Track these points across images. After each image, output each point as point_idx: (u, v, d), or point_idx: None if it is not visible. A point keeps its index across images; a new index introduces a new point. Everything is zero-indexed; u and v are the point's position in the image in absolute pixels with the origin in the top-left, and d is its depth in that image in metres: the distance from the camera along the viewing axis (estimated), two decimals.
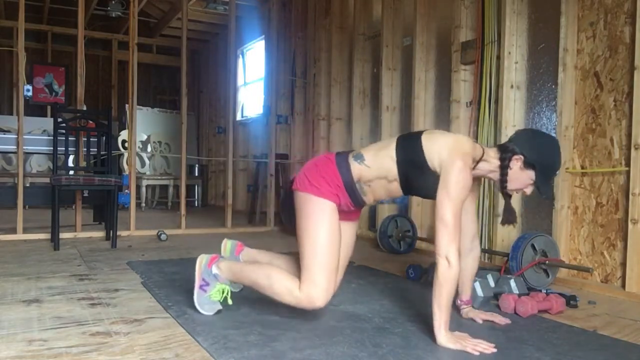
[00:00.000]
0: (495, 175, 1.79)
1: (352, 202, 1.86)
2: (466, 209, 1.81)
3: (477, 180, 1.86)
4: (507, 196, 1.81)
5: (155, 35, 8.03)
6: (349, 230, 2.00)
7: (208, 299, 1.92)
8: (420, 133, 1.80)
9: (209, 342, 1.60)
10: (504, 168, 1.75)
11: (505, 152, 1.75)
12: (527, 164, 1.73)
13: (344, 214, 1.90)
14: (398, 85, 4.13)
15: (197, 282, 1.94)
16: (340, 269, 1.93)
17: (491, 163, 1.78)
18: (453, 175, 1.65)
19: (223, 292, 1.93)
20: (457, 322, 1.86)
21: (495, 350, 1.58)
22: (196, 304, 1.92)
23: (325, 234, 1.78)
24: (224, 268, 1.93)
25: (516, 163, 1.74)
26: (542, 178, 1.74)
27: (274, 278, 1.82)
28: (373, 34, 4.43)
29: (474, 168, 1.74)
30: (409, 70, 3.89)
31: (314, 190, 1.80)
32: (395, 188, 1.82)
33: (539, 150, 1.73)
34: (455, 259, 1.61)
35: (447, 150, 1.69)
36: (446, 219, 1.63)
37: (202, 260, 1.97)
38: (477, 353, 1.55)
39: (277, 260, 2.10)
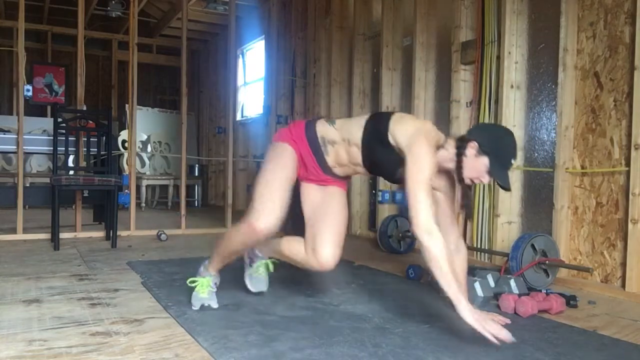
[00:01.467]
0: (453, 164, 1.83)
1: (314, 156, 1.96)
2: (443, 212, 1.87)
3: (451, 179, 1.91)
4: (463, 183, 1.86)
5: (155, 35, 8.03)
6: (336, 193, 2.06)
7: (252, 274, 2.18)
8: (391, 113, 1.91)
9: (209, 342, 1.60)
10: (459, 155, 1.80)
11: (462, 140, 1.82)
12: (481, 151, 1.77)
13: (324, 180, 2.03)
14: (398, 85, 4.13)
15: (246, 261, 2.21)
16: (334, 231, 1.97)
17: (449, 152, 1.83)
18: (420, 153, 1.72)
19: (267, 267, 2.18)
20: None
21: (514, 340, 1.53)
22: (247, 281, 2.19)
23: (269, 169, 1.93)
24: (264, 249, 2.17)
25: (471, 150, 1.78)
26: (497, 166, 1.77)
27: (230, 230, 1.99)
28: (373, 34, 4.43)
29: (435, 153, 1.80)
30: (409, 70, 3.89)
31: (275, 138, 2.01)
32: (356, 155, 1.91)
33: (491, 138, 1.79)
34: (435, 229, 1.64)
35: (412, 130, 1.78)
36: (419, 193, 1.67)
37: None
38: (496, 341, 1.50)
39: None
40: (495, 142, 1.79)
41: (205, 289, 1.99)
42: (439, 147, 1.83)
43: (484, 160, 1.77)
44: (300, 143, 1.95)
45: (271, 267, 2.18)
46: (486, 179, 1.81)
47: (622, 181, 2.53)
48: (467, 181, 1.83)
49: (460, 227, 3.35)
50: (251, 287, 2.17)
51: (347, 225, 2.07)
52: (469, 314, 1.57)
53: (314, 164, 1.97)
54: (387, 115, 1.88)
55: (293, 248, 2.01)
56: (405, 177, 1.72)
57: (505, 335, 1.53)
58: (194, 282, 2.00)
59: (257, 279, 2.16)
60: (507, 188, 1.80)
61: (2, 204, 5.14)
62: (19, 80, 3.97)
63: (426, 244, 1.64)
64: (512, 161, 1.83)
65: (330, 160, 1.96)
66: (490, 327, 1.55)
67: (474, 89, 3.33)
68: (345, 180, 2.09)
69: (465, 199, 1.92)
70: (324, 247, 1.92)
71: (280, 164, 1.93)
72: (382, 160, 1.87)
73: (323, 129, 1.96)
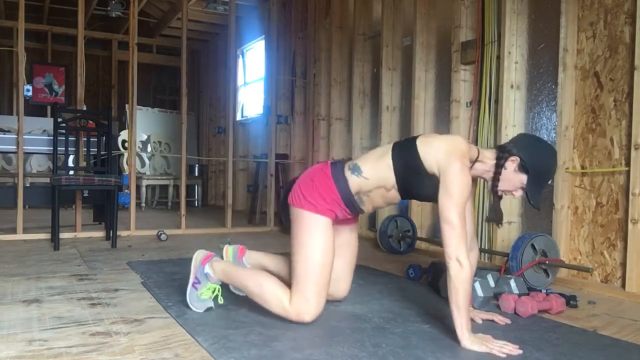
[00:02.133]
0: (489, 175, 1.80)
1: (350, 212, 1.89)
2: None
3: (473, 181, 1.87)
4: (497, 196, 1.81)
5: (155, 35, 8.03)
6: (350, 233, 2.04)
7: (198, 297, 1.94)
8: (414, 138, 1.82)
9: (209, 342, 1.60)
10: (498, 167, 1.75)
11: (503, 152, 1.76)
12: (522, 167, 1.73)
13: (342, 221, 1.94)
14: (398, 85, 4.13)
15: (191, 279, 1.97)
16: (348, 273, 2.02)
17: (486, 163, 1.79)
18: (453, 176, 1.66)
19: (213, 292, 1.95)
20: None
21: (521, 352, 1.57)
22: (188, 301, 1.95)
23: (320, 250, 1.80)
24: (218, 269, 1.95)
25: (512, 164, 1.74)
26: (534, 185, 1.74)
27: (265, 287, 1.84)
28: (373, 34, 4.43)
29: (470, 168, 1.75)
30: (409, 70, 3.89)
31: (310, 207, 1.83)
32: (394, 195, 1.85)
33: (536, 157, 1.74)
34: (465, 259, 1.61)
35: (444, 153, 1.70)
36: (452, 220, 1.63)
37: (197, 257, 2.00)
38: (504, 355, 1.54)
39: (281, 264, 2.12)
40: (539, 162, 1.73)
41: (212, 294, 1.95)
42: (473, 162, 1.77)
43: (522, 178, 1.74)
44: (336, 205, 1.85)
45: (220, 298, 1.95)
46: (518, 194, 1.78)
47: (622, 181, 2.53)
48: (500, 193, 1.80)
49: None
50: (195, 308, 1.93)
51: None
52: (470, 344, 1.59)
53: (347, 213, 1.90)
54: (412, 144, 1.79)
55: (268, 289, 1.83)
56: (438, 201, 1.68)
57: (512, 348, 1.57)
58: (211, 288, 1.94)
59: (203, 300, 1.95)
60: (538, 208, 1.80)
61: (2, 204, 5.14)
62: (19, 80, 3.97)
63: (453, 273, 1.62)
64: (549, 182, 1.80)
65: (365, 208, 1.90)
66: (495, 345, 1.58)
67: (474, 89, 3.33)
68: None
69: (495, 214, 1.84)
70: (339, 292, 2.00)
71: (326, 247, 1.82)
72: (422, 189, 1.80)
73: (357, 183, 1.83)
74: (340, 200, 1.84)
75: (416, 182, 1.78)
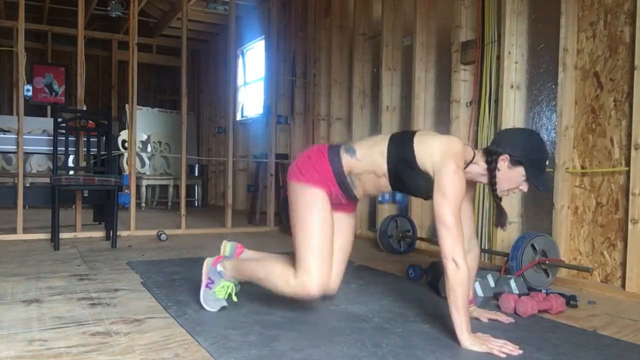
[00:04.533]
0: (485, 179, 1.80)
1: (343, 193, 1.89)
2: (462, 210, 1.81)
3: (472, 183, 1.87)
4: (498, 199, 1.81)
5: (155, 35, 8.03)
6: (346, 220, 2.02)
7: (213, 296, 1.96)
8: (412, 134, 1.81)
9: (209, 342, 1.60)
10: (491, 170, 1.76)
11: (490, 155, 1.76)
12: (514, 162, 1.73)
13: (339, 206, 1.93)
14: (398, 85, 4.13)
15: (204, 281, 1.99)
16: (340, 262, 1.97)
17: (480, 166, 1.79)
18: (448, 177, 1.66)
19: (227, 289, 1.97)
20: None
21: (521, 352, 1.57)
22: (202, 301, 1.96)
23: (317, 221, 1.81)
24: (228, 266, 1.97)
25: (503, 163, 1.74)
26: (534, 171, 1.74)
27: (270, 269, 1.87)
28: (373, 34, 4.43)
29: (464, 169, 1.75)
30: (409, 70, 3.89)
31: (305, 180, 1.84)
32: (384, 183, 1.85)
33: (522, 146, 1.74)
34: (462, 260, 1.61)
35: (439, 154, 1.70)
36: (447, 221, 1.63)
37: (208, 262, 2.02)
38: (504, 355, 1.54)
39: (278, 260, 2.11)
40: (526, 148, 1.73)
41: (225, 293, 1.96)
42: (468, 163, 1.77)
43: (520, 170, 1.74)
44: (330, 183, 1.85)
45: (234, 297, 1.97)
46: (525, 187, 1.78)
47: (622, 181, 2.53)
48: (504, 194, 1.79)
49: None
50: (209, 307, 1.96)
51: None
52: (470, 344, 1.59)
53: (341, 196, 1.90)
54: (409, 138, 1.79)
55: (274, 271, 1.86)
56: (433, 204, 1.68)
57: (512, 348, 1.57)
58: (225, 286, 1.95)
59: (217, 299, 1.97)
60: (547, 189, 1.79)
61: (2, 204, 5.13)
62: (19, 80, 3.97)
63: (450, 274, 1.62)
64: (547, 162, 1.80)
65: (357, 192, 1.90)
66: (494, 344, 1.58)
67: (474, 89, 3.33)
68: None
69: (501, 217, 1.85)
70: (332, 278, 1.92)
71: (324, 217, 1.82)
72: (412, 184, 1.81)
73: (348, 163, 1.84)
74: (334, 179, 1.85)
75: (407, 175, 1.78)
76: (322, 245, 1.80)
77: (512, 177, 1.75)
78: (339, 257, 1.98)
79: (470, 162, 1.78)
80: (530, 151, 1.74)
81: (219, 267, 1.97)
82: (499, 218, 1.85)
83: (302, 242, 1.80)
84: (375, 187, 1.88)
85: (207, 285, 1.97)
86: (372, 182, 1.86)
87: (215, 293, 1.95)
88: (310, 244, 1.79)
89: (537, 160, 1.74)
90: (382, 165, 1.81)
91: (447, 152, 1.69)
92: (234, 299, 1.97)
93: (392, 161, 1.79)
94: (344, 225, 2.00)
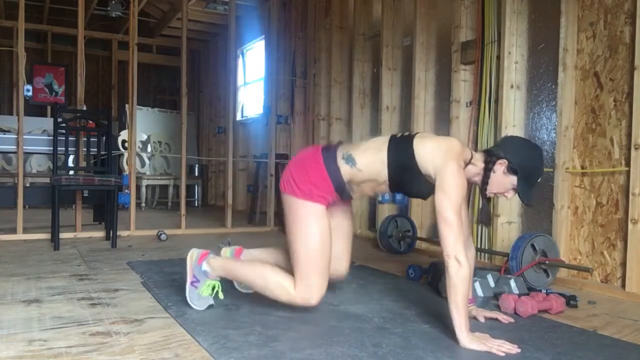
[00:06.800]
0: (479, 179, 1.83)
1: (341, 198, 1.93)
2: None
3: (468, 183, 1.89)
4: (486, 199, 1.86)
5: (155, 35, 8.03)
6: (343, 212, 2.05)
7: (199, 295, 1.95)
8: (411, 138, 1.83)
9: (209, 342, 1.60)
10: (487, 170, 1.79)
11: (491, 156, 1.80)
12: (510, 169, 1.77)
13: (335, 204, 1.96)
14: (398, 85, 4.13)
15: (189, 278, 1.98)
16: (346, 247, 2.03)
17: (477, 166, 1.82)
18: (449, 177, 1.69)
19: (213, 289, 1.97)
20: None
21: (519, 350, 1.58)
22: (188, 299, 1.96)
23: (317, 237, 1.83)
24: (216, 265, 1.97)
25: (500, 167, 1.78)
26: (524, 184, 1.78)
27: (267, 277, 1.87)
28: (373, 34, 4.43)
29: (464, 169, 1.78)
30: (409, 70, 3.89)
31: (302, 195, 1.85)
32: (384, 188, 1.89)
33: (522, 157, 1.78)
34: (464, 257, 1.63)
35: (440, 155, 1.73)
36: (449, 219, 1.65)
37: (192, 255, 2.00)
38: (502, 354, 1.55)
39: (279, 256, 2.14)
40: (526, 162, 1.77)
41: (212, 291, 1.96)
42: (466, 164, 1.80)
43: (512, 179, 1.78)
44: (329, 195, 1.87)
45: (220, 294, 1.98)
46: (510, 195, 1.82)
47: (622, 181, 2.53)
48: (492, 195, 1.84)
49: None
50: (196, 306, 1.95)
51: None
52: (469, 343, 1.60)
53: (337, 200, 1.93)
54: (409, 143, 1.81)
55: (271, 280, 1.87)
56: (435, 202, 1.70)
57: (510, 347, 1.58)
58: (211, 285, 1.96)
59: (204, 298, 1.97)
60: (530, 205, 1.85)
61: (2, 204, 5.12)
62: (19, 80, 3.97)
63: (452, 272, 1.63)
64: (539, 179, 1.83)
65: (355, 195, 1.94)
66: (493, 343, 1.59)
67: (474, 89, 3.33)
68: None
69: (484, 216, 1.92)
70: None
71: (323, 230, 1.84)
72: (413, 187, 1.85)
73: (349, 173, 1.85)
74: (333, 188, 1.87)
75: (408, 179, 1.82)
76: (322, 260, 1.83)
77: (503, 183, 1.79)
78: (344, 244, 2.04)
79: (469, 162, 1.81)
80: (529, 165, 1.78)
81: (204, 266, 1.96)
82: (483, 216, 1.89)
83: (303, 256, 1.82)
84: (373, 190, 1.92)
85: (192, 284, 1.97)
86: (371, 187, 1.90)
87: (201, 292, 1.95)
88: (311, 259, 1.82)
89: (530, 175, 1.78)
90: (383, 173, 1.84)
91: (449, 153, 1.73)
92: (220, 296, 1.97)
93: (394, 168, 1.82)
94: (342, 217, 2.04)
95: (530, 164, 1.78)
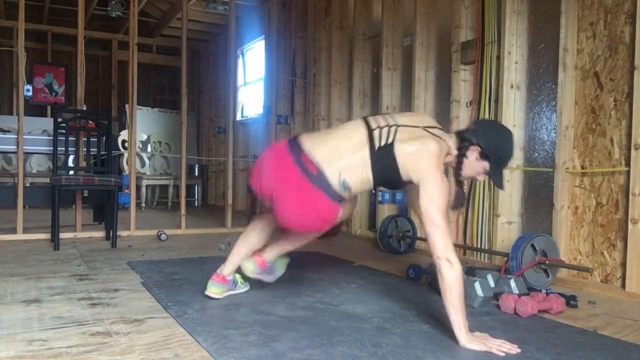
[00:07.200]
0: (452, 163, 1.89)
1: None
2: None
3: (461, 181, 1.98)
4: (460, 183, 1.92)
5: (155, 35, 8.02)
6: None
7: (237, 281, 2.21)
8: (391, 146, 1.81)
9: (209, 342, 1.60)
10: (460, 157, 1.85)
11: (463, 142, 1.85)
12: (483, 155, 1.83)
13: None
14: (398, 85, 4.13)
15: (263, 279, 2.21)
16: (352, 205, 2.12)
17: (452, 154, 1.87)
18: (434, 184, 1.73)
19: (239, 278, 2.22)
20: None
21: (519, 350, 1.58)
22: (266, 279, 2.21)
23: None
24: (227, 271, 2.14)
25: (472, 153, 1.84)
26: (495, 168, 1.84)
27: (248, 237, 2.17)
28: (373, 34, 4.43)
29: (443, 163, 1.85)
30: (409, 70, 3.89)
31: (314, 227, 1.95)
32: (370, 189, 1.98)
33: (495, 143, 1.83)
34: (455, 258, 1.65)
35: (421, 164, 1.77)
36: (437, 221, 1.68)
37: (248, 268, 2.17)
38: (502, 354, 1.55)
39: (262, 231, 2.20)
40: (498, 148, 1.84)
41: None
42: (446, 155, 1.85)
43: (484, 164, 1.84)
44: (333, 215, 1.93)
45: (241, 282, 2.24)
46: (481, 178, 1.90)
47: (622, 181, 2.53)
48: (463, 179, 1.91)
49: (461, 228, 3.35)
50: (267, 279, 2.21)
51: None
52: (468, 343, 1.60)
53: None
54: (390, 152, 1.84)
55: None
56: (420, 207, 1.73)
57: (510, 347, 1.59)
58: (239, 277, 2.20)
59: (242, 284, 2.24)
60: (502, 188, 1.92)
61: (2, 204, 5.12)
62: (19, 80, 3.97)
63: (444, 273, 1.65)
64: (508, 163, 1.91)
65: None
66: (493, 343, 1.60)
67: (474, 89, 3.33)
68: None
69: (459, 199, 1.96)
70: None
71: None
72: (393, 183, 1.92)
73: (345, 194, 1.90)
74: (338, 208, 1.91)
75: (390, 178, 1.88)
76: None
77: (475, 167, 1.86)
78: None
79: (448, 154, 1.86)
80: (501, 151, 1.84)
81: (229, 277, 2.15)
82: (457, 201, 1.95)
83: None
84: (361, 192, 2.01)
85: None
86: (360, 191, 1.99)
87: (238, 283, 2.21)
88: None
89: (502, 160, 1.85)
90: (370, 184, 1.90)
91: (430, 161, 1.76)
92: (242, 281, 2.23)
93: (379, 177, 1.88)
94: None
95: (501, 150, 1.84)
